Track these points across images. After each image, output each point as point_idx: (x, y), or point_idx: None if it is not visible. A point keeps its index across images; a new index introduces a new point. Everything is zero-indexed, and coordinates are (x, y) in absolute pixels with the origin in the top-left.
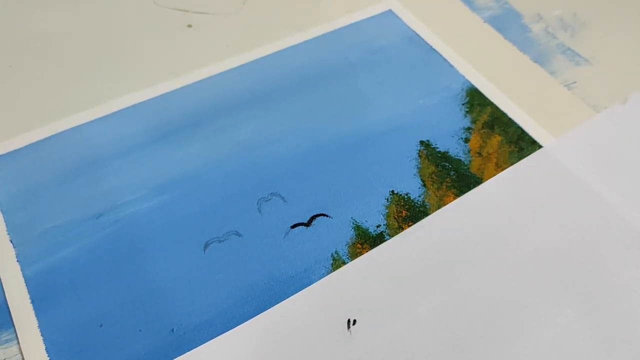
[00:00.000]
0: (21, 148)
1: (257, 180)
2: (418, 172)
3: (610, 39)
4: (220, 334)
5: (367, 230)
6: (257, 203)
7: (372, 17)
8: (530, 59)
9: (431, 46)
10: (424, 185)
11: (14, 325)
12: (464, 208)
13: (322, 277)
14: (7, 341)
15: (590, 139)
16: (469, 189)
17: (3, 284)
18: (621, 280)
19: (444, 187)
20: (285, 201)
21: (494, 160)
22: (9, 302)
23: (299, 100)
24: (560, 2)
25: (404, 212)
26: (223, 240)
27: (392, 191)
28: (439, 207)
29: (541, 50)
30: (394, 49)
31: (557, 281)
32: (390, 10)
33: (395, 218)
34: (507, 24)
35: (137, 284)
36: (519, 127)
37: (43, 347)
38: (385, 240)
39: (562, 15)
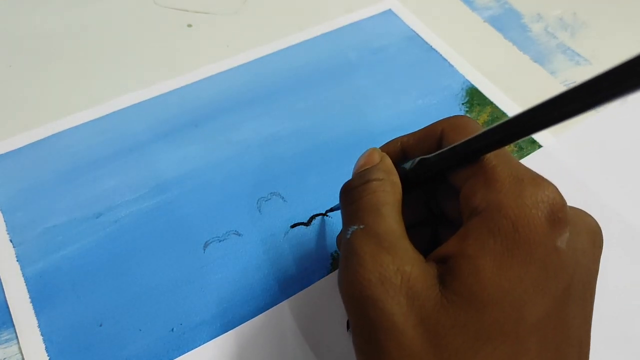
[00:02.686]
0: (21, 148)
1: (257, 180)
2: None
3: (610, 39)
4: (220, 334)
5: None
6: (257, 203)
7: (372, 16)
8: (530, 58)
9: (431, 46)
10: None
11: (14, 325)
12: None
13: (322, 277)
14: (7, 341)
15: (590, 139)
16: None
17: (3, 284)
18: (620, 280)
19: None
20: (285, 201)
21: None
22: (9, 302)
23: (299, 99)
24: (560, 2)
25: None
26: (223, 240)
27: None
28: None
29: (541, 50)
30: (393, 49)
31: None
32: (390, 10)
33: None
34: (507, 23)
35: (137, 283)
36: None
37: (43, 347)
38: None
39: (562, 15)
